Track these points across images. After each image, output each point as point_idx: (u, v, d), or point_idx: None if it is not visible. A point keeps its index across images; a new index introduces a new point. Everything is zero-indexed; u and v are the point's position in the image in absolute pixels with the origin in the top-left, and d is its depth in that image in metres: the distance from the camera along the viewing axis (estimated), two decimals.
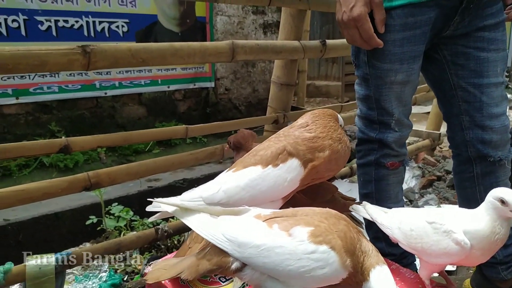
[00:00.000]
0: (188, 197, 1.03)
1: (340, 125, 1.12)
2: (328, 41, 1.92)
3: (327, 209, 0.82)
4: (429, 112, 3.47)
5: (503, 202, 0.85)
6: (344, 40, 1.99)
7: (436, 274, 1.12)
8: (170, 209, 0.85)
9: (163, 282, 0.97)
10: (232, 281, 0.98)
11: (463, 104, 1.22)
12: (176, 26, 3.69)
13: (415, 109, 5.43)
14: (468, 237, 0.88)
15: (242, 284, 0.96)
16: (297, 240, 0.74)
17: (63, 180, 1.35)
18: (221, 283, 0.98)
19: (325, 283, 0.75)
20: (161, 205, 1.01)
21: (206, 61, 1.47)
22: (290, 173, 0.96)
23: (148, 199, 1.03)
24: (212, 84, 3.96)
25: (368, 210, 1.07)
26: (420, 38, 1.14)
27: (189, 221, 0.82)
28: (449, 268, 1.75)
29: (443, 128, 2.45)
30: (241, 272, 0.78)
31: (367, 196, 1.35)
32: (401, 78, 1.18)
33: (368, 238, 0.82)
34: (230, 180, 0.98)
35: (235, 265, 0.78)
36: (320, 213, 0.80)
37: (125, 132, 1.52)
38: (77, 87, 3.25)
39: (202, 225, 0.80)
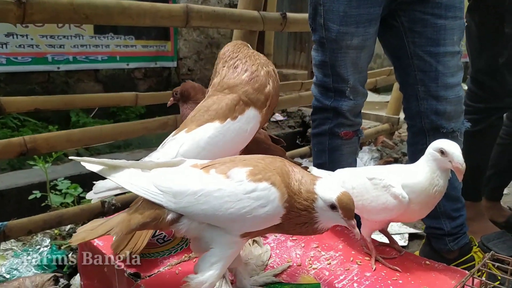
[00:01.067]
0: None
1: None
2: (289, 14, 1.88)
3: (265, 155, 0.78)
4: None
5: (442, 152, 0.84)
6: (305, 15, 1.96)
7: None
8: (96, 168, 0.75)
9: (95, 244, 0.90)
10: (171, 241, 0.92)
11: (419, 74, 1.21)
12: None
13: (377, 98, 5.56)
14: (407, 191, 0.87)
15: None
16: (235, 181, 0.70)
17: None
18: (159, 244, 0.92)
19: (267, 224, 0.72)
20: (106, 188, 0.92)
21: (158, 24, 1.38)
22: (250, 123, 0.93)
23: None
24: (175, 64, 3.84)
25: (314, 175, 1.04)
26: (376, 0, 1.11)
27: (116, 177, 0.74)
28: (401, 243, 1.77)
29: (403, 115, 2.49)
30: (178, 223, 0.73)
31: (321, 166, 1.32)
32: (357, 42, 1.15)
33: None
34: (187, 141, 0.89)
35: (170, 216, 0.72)
36: (256, 156, 0.77)
37: (67, 95, 1.42)
38: (28, 60, 3.05)
39: (132, 180, 0.73)
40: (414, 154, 1.33)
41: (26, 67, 3.06)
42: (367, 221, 0.95)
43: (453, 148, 0.83)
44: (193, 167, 0.75)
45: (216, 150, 0.90)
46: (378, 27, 1.19)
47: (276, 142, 1.13)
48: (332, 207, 0.69)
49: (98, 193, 0.80)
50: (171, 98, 1.20)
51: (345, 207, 0.69)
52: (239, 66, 0.97)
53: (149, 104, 2.11)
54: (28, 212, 2.10)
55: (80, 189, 2.00)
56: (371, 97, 5.37)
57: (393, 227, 1.89)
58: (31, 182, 2.48)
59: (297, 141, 3.70)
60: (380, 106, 4.78)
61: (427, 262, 0.96)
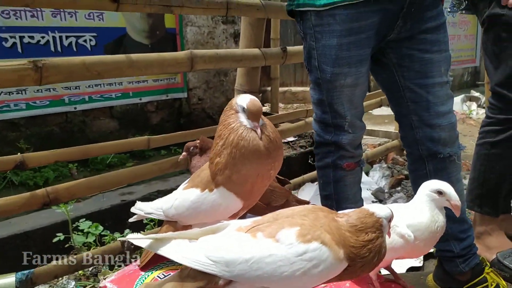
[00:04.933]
0: (155, 206, 1.04)
1: (243, 109, 0.91)
2: (289, 48, 1.96)
3: (304, 205, 0.81)
4: None
5: (440, 193, 0.89)
6: None
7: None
8: (144, 243, 0.79)
9: None
10: None
11: (411, 104, 1.26)
12: (145, 38, 3.68)
13: (386, 111, 5.56)
14: (411, 230, 0.91)
15: None
16: (286, 244, 0.71)
17: (20, 197, 1.33)
18: None
19: (324, 279, 0.73)
20: (142, 210, 1.07)
21: (165, 71, 1.49)
22: (224, 199, 0.93)
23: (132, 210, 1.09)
24: (185, 95, 3.96)
25: None
26: (365, 42, 1.18)
27: (165, 251, 0.76)
28: (416, 264, 1.79)
29: None
30: (230, 285, 0.74)
31: (327, 197, 1.38)
32: (350, 81, 1.21)
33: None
34: (179, 198, 1.00)
35: (222, 281, 0.74)
36: (299, 211, 0.77)
37: (84, 146, 1.51)
38: (45, 103, 3.20)
39: (183, 252, 0.75)
40: (415, 180, 1.37)
41: (45, 110, 3.21)
42: None
43: (449, 188, 0.89)
44: (238, 231, 0.76)
45: (195, 213, 0.96)
46: (370, 64, 1.25)
47: (281, 182, 1.18)
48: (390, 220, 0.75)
49: (138, 209, 1.05)
50: (184, 153, 1.25)
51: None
52: (221, 140, 0.92)
53: (161, 146, 2.20)
54: (53, 252, 2.20)
55: (100, 228, 2.09)
56: (380, 110, 5.39)
57: None
58: (54, 221, 2.58)
59: (309, 161, 3.75)
60: (389, 120, 4.79)
61: None
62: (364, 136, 3.67)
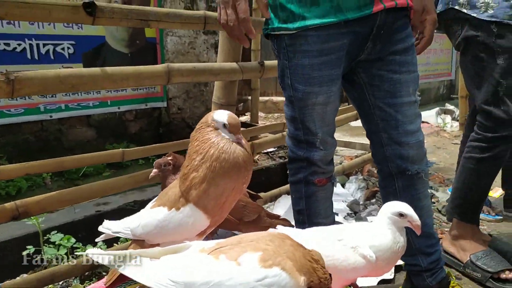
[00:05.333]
0: (122, 225, 1.04)
1: (224, 125, 0.96)
2: (266, 62, 1.99)
3: (269, 231, 0.82)
4: None
5: (401, 215, 0.93)
6: None
7: None
8: (105, 260, 0.78)
9: None
10: None
11: (381, 122, 1.30)
12: (125, 47, 3.67)
13: None
14: (374, 250, 0.94)
15: None
16: (247, 268, 0.71)
17: None
18: None
19: None
20: (110, 228, 1.06)
21: (141, 85, 1.49)
22: (191, 217, 0.94)
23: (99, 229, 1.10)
24: (164, 104, 3.95)
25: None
26: (336, 63, 1.21)
27: (127, 270, 0.75)
28: (387, 276, 1.82)
29: None
30: None
31: (299, 212, 1.40)
32: (322, 100, 1.25)
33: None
34: (147, 217, 1.01)
35: None
36: (264, 237, 0.78)
37: (57, 159, 1.49)
38: (20, 111, 3.14)
39: (144, 272, 0.74)
40: (385, 196, 1.41)
41: (20, 118, 3.15)
42: (338, 278, 1.01)
43: (410, 210, 0.93)
44: (201, 252, 0.76)
45: (164, 231, 0.97)
46: (341, 83, 1.29)
47: (253, 197, 1.20)
48: None
49: (105, 228, 1.04)
50: (155, 170, 1.25)
51: None
52: (197, 157, 0.93)
53: (136, 158, 2.19)
54: (24, 265, 2.14)
55: (73, 240, 2.05)
56: (358, 122, 5.50)
57: None
58: (26, 232, 2.52)
59: (287, 172, 3.77)
60: None
61: None
62: (342, 148, 3.74)
